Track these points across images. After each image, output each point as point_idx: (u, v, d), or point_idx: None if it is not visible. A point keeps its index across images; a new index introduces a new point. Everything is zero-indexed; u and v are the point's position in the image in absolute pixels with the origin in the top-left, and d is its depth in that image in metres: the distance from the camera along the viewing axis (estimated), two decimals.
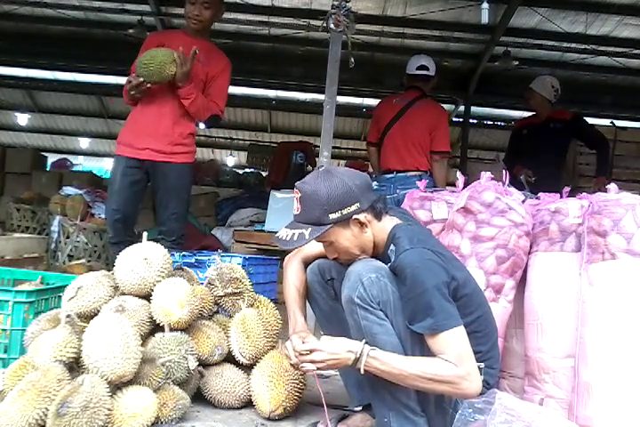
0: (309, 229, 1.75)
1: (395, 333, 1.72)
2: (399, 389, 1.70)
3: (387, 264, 1.78)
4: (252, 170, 9.32)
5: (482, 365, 1.76)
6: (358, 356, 1.67)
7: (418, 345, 1.70)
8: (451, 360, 1.62)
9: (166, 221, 3.24)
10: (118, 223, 3.19)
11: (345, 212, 1.74)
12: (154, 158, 3.17)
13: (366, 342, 1.70)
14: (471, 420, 1.69)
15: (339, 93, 3.28)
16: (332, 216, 1.73)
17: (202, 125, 3.55)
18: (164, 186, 3.23)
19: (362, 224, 1.78)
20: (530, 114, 5.11)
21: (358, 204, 1.75)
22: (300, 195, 1.78)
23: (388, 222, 1.85)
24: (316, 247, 2.01)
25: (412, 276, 1.67)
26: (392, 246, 1.77)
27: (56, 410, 1.63)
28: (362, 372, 1.68)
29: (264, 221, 5.44)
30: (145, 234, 2.29)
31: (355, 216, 1.75)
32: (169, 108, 3.17)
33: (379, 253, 1.86)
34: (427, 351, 1.69)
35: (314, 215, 1.74)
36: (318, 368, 1.75)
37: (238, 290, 2.32)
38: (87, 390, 1.67)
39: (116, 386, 1.81)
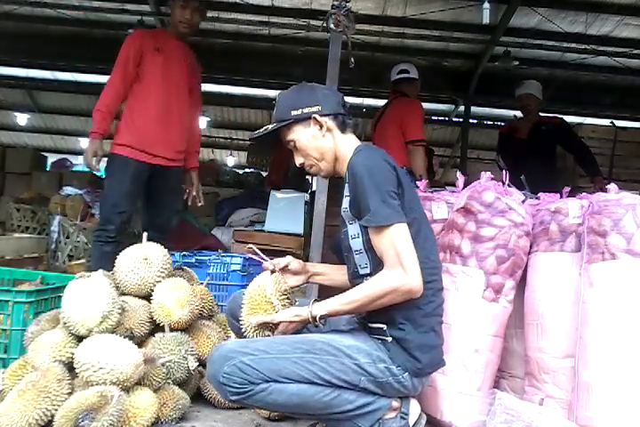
0: (274, 124, 1.95)
1: (290, 380, 1.68)
2: None
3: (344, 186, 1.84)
4: (252, 170, 9.29)
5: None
6: (309, 319, 1.75)
7: (327, 376, 1.69)
8: (388, 263, 1.71)
9: (166, 219, 3.44)
10: (124, 224, 3.25)
11: (306, 110, 1.91)
12: (163, 164, 3.31)
13: (315, 300, 1.79)
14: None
15: None
16: (294, 113, 1.92)
17: (201, 126, 3.59)
18: (167, 186, 3.39)
19: (321, 126, 1.90)
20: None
21: (320, 106, 1.91)
22: (276, 99, 2.00)
23: (355, 141, 1.94)
24: None
25: (354, 173, 1.76)
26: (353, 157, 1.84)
27: (75, 418, 1.62)
28: (320, 323, 1.76)
29: (264, 221, 5.42)
30: (145, 234, 2.29)
31: (314, 115, 1.90)
32: (177, 115, 3.31)
33: (342, 172, 1.92)
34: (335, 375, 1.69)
35: (280, 113, 1.95)
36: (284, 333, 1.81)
37: None
38: (114, 413, 1.64)
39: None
